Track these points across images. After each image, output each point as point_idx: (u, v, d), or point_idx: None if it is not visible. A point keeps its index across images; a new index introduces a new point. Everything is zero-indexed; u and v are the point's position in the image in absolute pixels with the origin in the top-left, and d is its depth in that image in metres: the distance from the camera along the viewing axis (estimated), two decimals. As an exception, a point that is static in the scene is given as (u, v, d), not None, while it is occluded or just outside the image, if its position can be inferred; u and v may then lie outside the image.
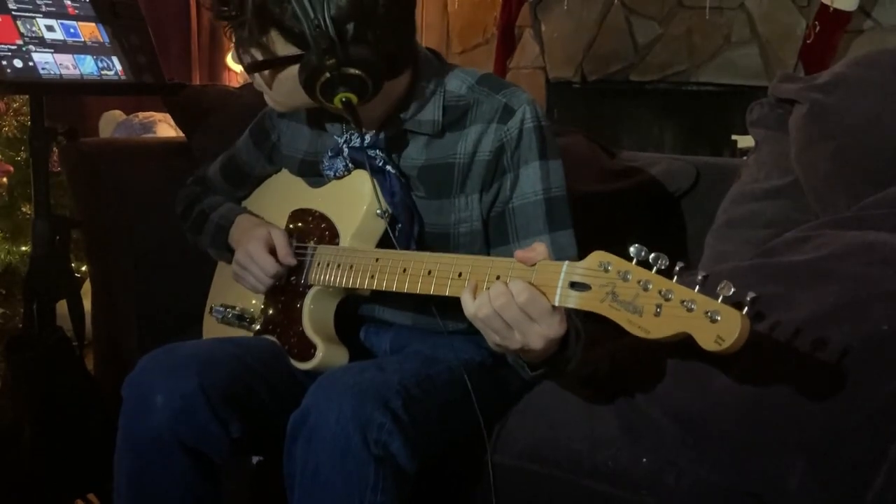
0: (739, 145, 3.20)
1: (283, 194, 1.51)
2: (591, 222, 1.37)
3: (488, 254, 1.36)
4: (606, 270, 0.97)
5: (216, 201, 1.59)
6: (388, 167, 1.34)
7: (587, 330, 1.20)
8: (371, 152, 1.34)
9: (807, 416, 1.10)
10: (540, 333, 1.04)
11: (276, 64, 1.24)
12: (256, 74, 1.30)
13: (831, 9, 3.15)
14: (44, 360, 1.68)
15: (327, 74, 1.19)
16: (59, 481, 1.69)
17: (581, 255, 1.03)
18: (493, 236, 1.35)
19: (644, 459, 1.22)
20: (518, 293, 1.03)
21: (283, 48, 1.22)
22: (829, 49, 3.20)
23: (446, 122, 1.33)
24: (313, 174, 1.44)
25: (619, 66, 3.72)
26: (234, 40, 1.27)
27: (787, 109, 1.58)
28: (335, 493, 1.13)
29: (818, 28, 3.20)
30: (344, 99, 1.22)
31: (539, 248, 1.07)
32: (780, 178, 1.54)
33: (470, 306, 1.07)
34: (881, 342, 1.10)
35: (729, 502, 1.16)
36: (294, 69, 1.22)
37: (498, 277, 1.07)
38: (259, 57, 1.25)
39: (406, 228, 1.34)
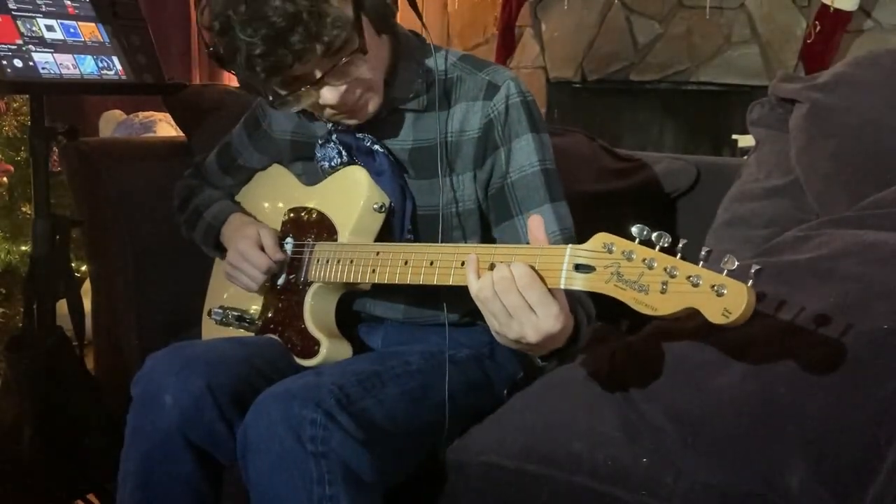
0: (740, 144, 3.20)
1: (277, 193, 1.51)
2: (592, 221, 1.37)
3: (484, 235, 1.38)
4: (610, 251, 0.97)
5: (211, 198, 1.59)
6: (377, 147, 1.35)
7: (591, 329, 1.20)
8: (360, 135, 1.35)
9: (807, 415, 1.10)
10: (535, 326, 1.03)
11: (358, 23, 1.20)
12: (352, 94, 1.25)
13: (831, 9, 3.16)
14: (44, 360, 1.68)
15: None
16: (59, 481, 1.69)
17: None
18: (496, 213, 1.35)
19: (644, 459, 1.22)
20: (520, 276, 1.02)
21: (344, 4, 1.18)
22: (829, 49, 3.20)
23: (430, 98, 1.33)
24: (306, 157, 1.45)
25: (619, 66, 3.72)
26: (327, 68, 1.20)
27: (788, 109, 1.58)
28: (284, 497, 1.13)
29: (818, 28, 3.20)
30: None
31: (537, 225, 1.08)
32: (781, 178, 1.53)
33: (474, 285, 1.07)
34: (881, 342, 1.10)
35: (729, 502, 1.16)
36: (365, 22, 1.21)
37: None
38: (344, 37, 1.18)
39: (399, 207, 1.35)
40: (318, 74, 1.21)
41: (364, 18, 1.21)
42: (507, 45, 3.94)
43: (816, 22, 3.21)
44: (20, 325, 1.82)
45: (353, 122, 1.32)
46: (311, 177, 1.46)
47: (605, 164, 1.98)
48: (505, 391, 1.42)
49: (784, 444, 1.11)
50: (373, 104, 1.30)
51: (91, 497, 1.78)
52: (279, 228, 1.46)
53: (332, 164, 1.39)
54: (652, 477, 1.20)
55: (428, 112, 1.35)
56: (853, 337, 1.10)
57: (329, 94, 1.23)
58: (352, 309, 1.45)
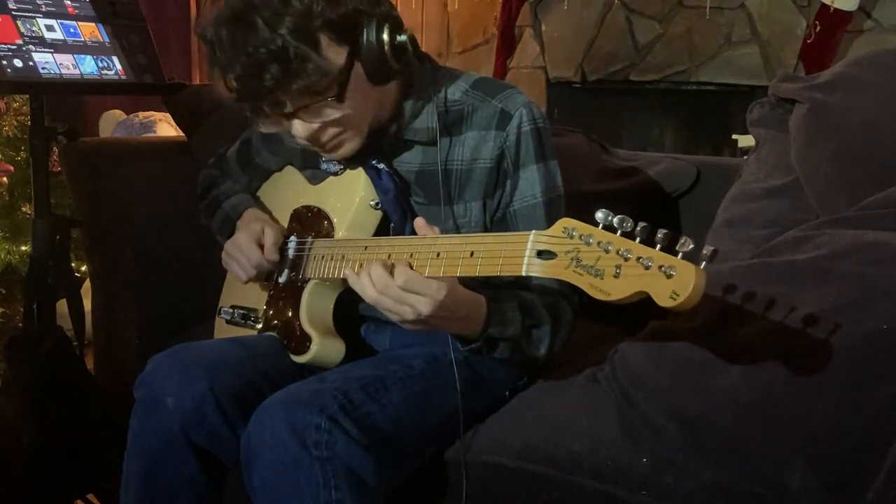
0: (740, 144, 3.20)
1: (286, 194, 1.53)
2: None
3: None
4: (571, 237, 0.96)
5: (231, 189, 1.60)
6: (383, 166, 1.35)
7: (591, 329, 1.20)
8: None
9: (807, 415, 1.10)
10: (424, 302, 1.10)
11: (345, 73, 1.20)
12: (324, 133, 1.26)
13: (831, 9, 3.16)
14: (44, 360, 1.68)
15: (397, 39, 1.20)
16: (58, 481, 1.69)
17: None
18: None
19: (644, 459, 1.22)
20: (398, 275, 1.10)
21: (336, 53, 1.19)
22: (829, 49, 3.20)
23: (441, 128, 1.33)
24: (314, 164, 1.46)
25: (619, 66, 3.72)
26: (294, 109, 1.21)
27: (788, 109, 1.58)
28: (290, 503, 1.13)
29: (818, 28, 3.20)
30: (408, 35, 1.22)
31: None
32: (781, 178, 1.53)
33: (356, 289, 1.15)
34: (881, 342, 1.10)
35: (729, 502, 1.16)
36: (358, 69, 1.21)
37: (472, 254, 1.08)
38: (324, 84, 1.18)
39: (399, 228, 1.35)
40: (291, 108, 1.21)
41: (359, 68, 1.21)
42: (507, 45, 3.93)
43: (816, 22, 3.21)
44: (20, 325, 1.83)
45: (331, 156, 1.33)
46: (319, 179, 1.47)
47: (604, 164, 1.98)
48: (507, 393, 1.42)
49: (784, 444, 1.11)
50: (348, 147, 1.29)
51: (91, 497, 1.79)
52: (286, 228, 1.47)
53: (331, 170, 1.40)
54: (652, 477, 1.20)
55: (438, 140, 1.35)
56: (853, 337, 1.10)
57: (299, 128, 1.24)
58: (360, 311, 1.45)
